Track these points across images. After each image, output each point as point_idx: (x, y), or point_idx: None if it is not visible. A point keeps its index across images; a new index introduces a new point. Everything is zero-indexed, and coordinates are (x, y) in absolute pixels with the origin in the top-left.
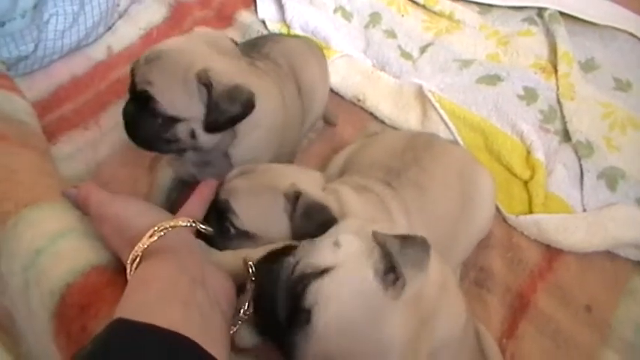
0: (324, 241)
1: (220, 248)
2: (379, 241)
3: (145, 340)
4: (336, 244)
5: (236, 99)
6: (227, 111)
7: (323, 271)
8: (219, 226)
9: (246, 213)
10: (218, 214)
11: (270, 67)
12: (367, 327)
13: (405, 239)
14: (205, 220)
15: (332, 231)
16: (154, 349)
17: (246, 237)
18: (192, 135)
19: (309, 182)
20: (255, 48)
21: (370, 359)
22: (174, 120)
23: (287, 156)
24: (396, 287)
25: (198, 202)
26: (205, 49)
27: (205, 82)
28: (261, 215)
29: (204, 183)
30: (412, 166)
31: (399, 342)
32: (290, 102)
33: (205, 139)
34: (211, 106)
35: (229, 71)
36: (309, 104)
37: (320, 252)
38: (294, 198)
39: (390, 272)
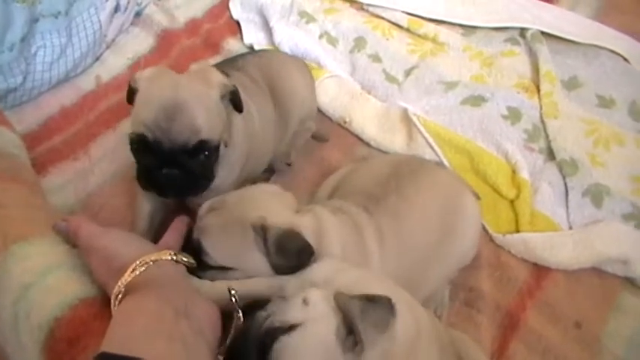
0: (295, 299)
1: (202, 278)
2: (340, 304)
3: None
4: (305, 301)
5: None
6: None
7: (290, 327)
8: (197, 261)
9: (217, 250)
10: (194, 252)
11: (241, 80)
12: None
13: (368, 301)
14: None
15: (305, 276)
16: None
17: (222, 270)
18: None
19: (280, 208)
20: (231, 62)
21: None
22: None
23: (259, 166)
24: (355, 352)
25: (174, 236)
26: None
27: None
28: (232, 250)
29: (179, 219)
30: (393, 194)
31: None
32: (260, 114)
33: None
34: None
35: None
36: (286, 115)
37: (289, 308)
38: (262, 231)
39: (351, 335)
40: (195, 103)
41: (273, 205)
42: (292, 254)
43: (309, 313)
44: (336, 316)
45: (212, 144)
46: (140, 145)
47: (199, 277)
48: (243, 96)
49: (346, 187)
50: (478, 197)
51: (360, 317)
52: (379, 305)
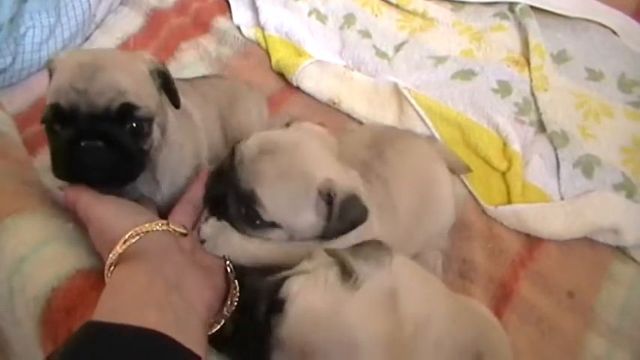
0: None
1: (245, 233)
2: (330, 253)
3: (118, 337)
4: (309, 256)
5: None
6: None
7: (299, 272)
8: (241, 212)
9: (274, 204)
10: (242, 202)
11: (189, 91)
12: (331, 318)
13: (357, 245)
14: (224, 205)
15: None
16: (128, 345)
17: (272, 226)
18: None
19: (337, 164)
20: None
21: (339, 350)
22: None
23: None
24: (352, 280)
25: (200, 189)
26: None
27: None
28: (291, 207)
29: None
30: (375, 159)
31: (365, 336)
32: (206, 127)
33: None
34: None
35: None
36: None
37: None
38: (329, 196)
39: (349, 276)
40: (118, 66)
41: (332, 162)
42: (349, 220)
43: (314, 264)
44: (336, 264)
45: (142, 113)
46: (54, 118)
47: (243, 233)
48: (186, 102)
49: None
50: (470, 170)
51: (351, 254)
52: (369, 245)
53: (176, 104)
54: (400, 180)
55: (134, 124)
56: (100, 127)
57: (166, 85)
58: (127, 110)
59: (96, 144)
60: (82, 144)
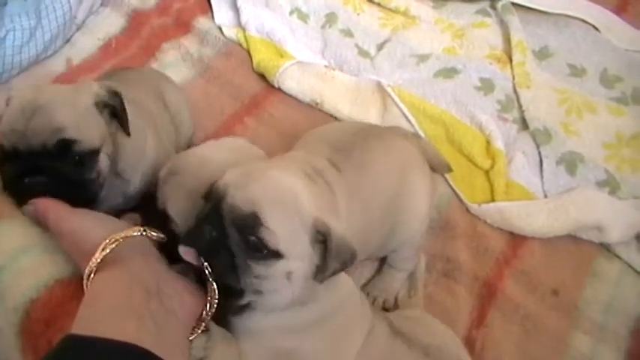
0: None
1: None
2: None
3: (96, 352)
4: None
5: None
6: None
7: None
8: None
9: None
10: (163, 223)
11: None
12: None
13: None
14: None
15: None
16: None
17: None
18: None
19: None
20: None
21: None
22: None
23: None
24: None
25: None
26: None
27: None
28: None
29: None
30: (358, 144)
31: None
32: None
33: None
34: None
35: None
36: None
37: None
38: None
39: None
40: (58, 103)
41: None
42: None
43: None
44: None
45: (83, 146)
46: (2, 157)
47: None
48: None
49: (310, 134)
50: (451, 169)
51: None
52: None
53: (126, 132)
54: (378, 169)
55: (76, 157)
56: (40, 163)
57: (116, 112)
58: (65, 145)
59: (38, 179)
60: (26, 180)
